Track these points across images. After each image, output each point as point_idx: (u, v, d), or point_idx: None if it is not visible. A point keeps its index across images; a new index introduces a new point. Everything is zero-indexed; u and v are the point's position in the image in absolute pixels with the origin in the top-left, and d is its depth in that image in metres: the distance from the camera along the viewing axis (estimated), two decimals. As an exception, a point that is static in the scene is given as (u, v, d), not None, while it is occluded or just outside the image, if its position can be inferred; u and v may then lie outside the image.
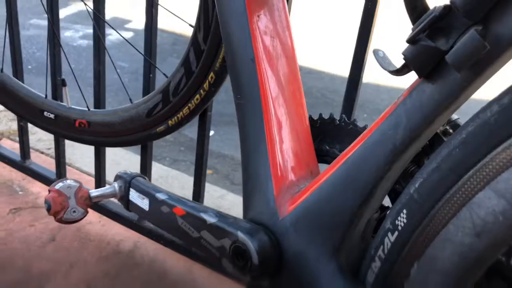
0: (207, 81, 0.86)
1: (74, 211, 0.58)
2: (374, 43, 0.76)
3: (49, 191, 0.58)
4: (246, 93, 0.54)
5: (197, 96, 0.89)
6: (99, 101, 1.10)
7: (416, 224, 0.43)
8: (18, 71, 1.21)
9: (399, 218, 0.44)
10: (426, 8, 0.40)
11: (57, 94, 1.15)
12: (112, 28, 0.99)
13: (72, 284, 1.02)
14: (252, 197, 0.54)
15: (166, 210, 0.57)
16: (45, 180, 1.28)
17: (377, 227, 0.51)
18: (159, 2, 0.96)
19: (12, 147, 1.47)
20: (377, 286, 0.46)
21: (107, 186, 0.63)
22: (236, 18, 0.54)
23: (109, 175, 1.22)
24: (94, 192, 0.61)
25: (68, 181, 0.59)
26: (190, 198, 1.10)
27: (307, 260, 0.49)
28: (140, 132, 0.98)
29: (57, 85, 1.14)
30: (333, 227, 0.47)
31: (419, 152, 0.48)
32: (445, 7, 0.37)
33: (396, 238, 0.44)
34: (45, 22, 3.65)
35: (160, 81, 1.00)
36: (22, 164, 1.32)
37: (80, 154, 1.53)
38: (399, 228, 0.44)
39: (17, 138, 1.56)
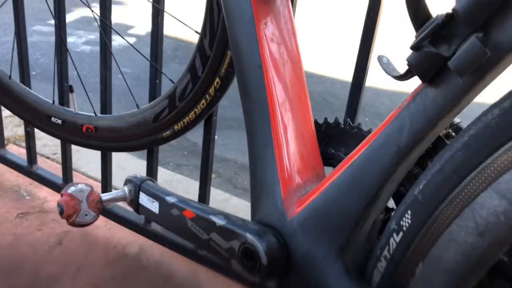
0: (212, 87, 0.88)
1: (86, 215, 0.59)
2: (377, 44, 0.77)
3: (62, 195, 0.60)
4: (254, 99, 0.56)
5: (203, 101, 0.90)
6: (105, 106, 1.11)
7: (420, 224, 0.44)
8: (25, 77, 1.23)
9: (404, 219, 0.45)
10: (428, 15, 0.41)
11: (64, 100, 1.17)
12: (119, 35, 1.01)
13: (80, 287, 1.03)
14: (260, 199, 0.56)
15: (176, 213, 0.58)
16: (52, 185, 1.30)
17: (382, 228, 0.52)
18: (165, 9, 0.98)
19: (18, 152, 1.49)
20: (383, 285, 0.48)
21: (117, 190, 0.64)
22: (244, 26, 0.56)
23: (114, 179, 1.24)
24: (105, 196, 0.63)
25: (80, 185, 0.61)
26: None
27: (315, 260, 0.50)
28: (147, 137, 0.99)
29: (64, 91, 1.16)
30: (340, 228, 0.49)
31: (423, 154, 0.50)
32: (447, 15, 0.39)
33: (401, 238, 0.45)
34: (47, 28, 3.69)
35: (164, 86, 1.02)
36: (29, 169, 1.34)
37: (86, 159, 1.55)
38: (404, 228, 0.45)
39: (23, 144, 1.58)
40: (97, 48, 3.63)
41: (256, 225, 0.54)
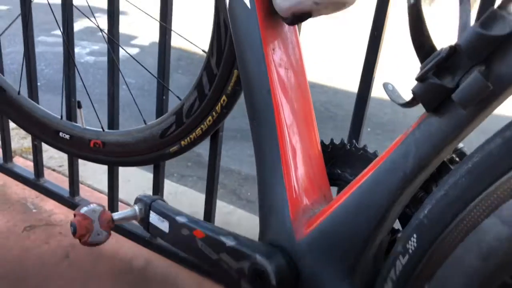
0: (219, 104, 0.90)
1: (99, 234, 0.61)
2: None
3: (75, 215, 0.61)
4: (262, 121, 0.58)
5: (210, 117, 0.92)
6: (112, 121, 1.13)
7: (426, 247, 0.46)
8: (33, 92, 1.25)
9: (410, 242, 0.47)
10: (432, 47, 0.43)
11: (71, 115, 1.18)
12: (128, 54, 1.03)
13: (87, 301, 1.04)
14: (269, 219, 0.57)
15: (186, 233, 0.60)
16: (59, 198, 1.31)
17: (388, 248, 0.54)
18: (172, 23, 1.00)
19: (25, 165, 1.50)
20: (390, 305, 0.49)
21: (128, 208, 0.66)
22: (253, 51, 0.57)
23: (119, 192, 1.25)
24: (117, 215, 0.64)
25: (92, 205, 0.62)
26: (200, 214, 1.13)
27: (323, 281, 0.51)
28: (154, 152, 1.01)
29: (72, 106, 1.18)
30: (348, 249, 0.50)
31: (428, 178, 0.51)
32: (451, 48, 0.41)
33: (407, 260, 0.47)
34: (52, 39, 3.72)
35: (170, 100, 1.04)
36: (36, 182, 1.36)
37: (91, 171, 1.56)
38: (410, 251, 0.47)
39: (29, 156, 1.60)
40: (101, 58, 3.66)
41: (265, 246, 0.55)
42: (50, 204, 1.37)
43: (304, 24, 0.68)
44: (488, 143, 0.41)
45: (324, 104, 3.08)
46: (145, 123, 1.01)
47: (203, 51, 0.89)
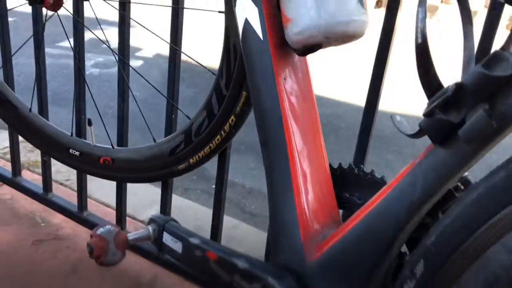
0: (228, 123, 0.92)
1: (114, 254, 0.63)
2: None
3: (91, 236, 0.63)
4: (274, 147, 0.60)
5: (218, 136, 0.94)
6: (122, 138, 1.15)
7: (433, 272, 0.48)
8: (43, 108, 1.27)
9: (417, 267, 0.49)
10: (439, 84, 0.45)
11: (81, 131, 1.21)
12: (140, 75, 1.05)
13: (96, 316, 1.06)
14: (280, 242, 0.59)
15: (199, 254, 0.62)
16: (67, 212, 1.33)
17: (395, 272, 0.56)
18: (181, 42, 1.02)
19: (32, 178, 1.52)
20: (398, 328, 0.51)
21: (142, 229, 0.68)
22: (265, 80, 0.60)
23: (127, 206, 1.27)
24: (131, 236, 0.66)
25: (108, 226, 0.64)
26: (205, 228, 1.15)
27: (333, 303, 0.53)
28: (162, 169, 1.03)
29: (81, 123, 1.21)
30: (357, 273, 0.52)
31: (433, 205, 0.53)
32: (457, 85, 0.43)
33: (415, 285, 0.49)
34: (56, 51, 3.76)
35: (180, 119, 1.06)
36: (44, 196, 1.38)
37: (99, 186, 1.58)
38: (417, 276, 0.49)
39: (36, 170, 1.62)
40: (106, 70, 3.67)
41: (276, 268, 0.57)
42: (57, 218, 1.38)
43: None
44: (492, 175, 0.44)
45: (327, 117, 3.10)
46: (155, 141, 1.04)
47: (213, 73, 0.92)
